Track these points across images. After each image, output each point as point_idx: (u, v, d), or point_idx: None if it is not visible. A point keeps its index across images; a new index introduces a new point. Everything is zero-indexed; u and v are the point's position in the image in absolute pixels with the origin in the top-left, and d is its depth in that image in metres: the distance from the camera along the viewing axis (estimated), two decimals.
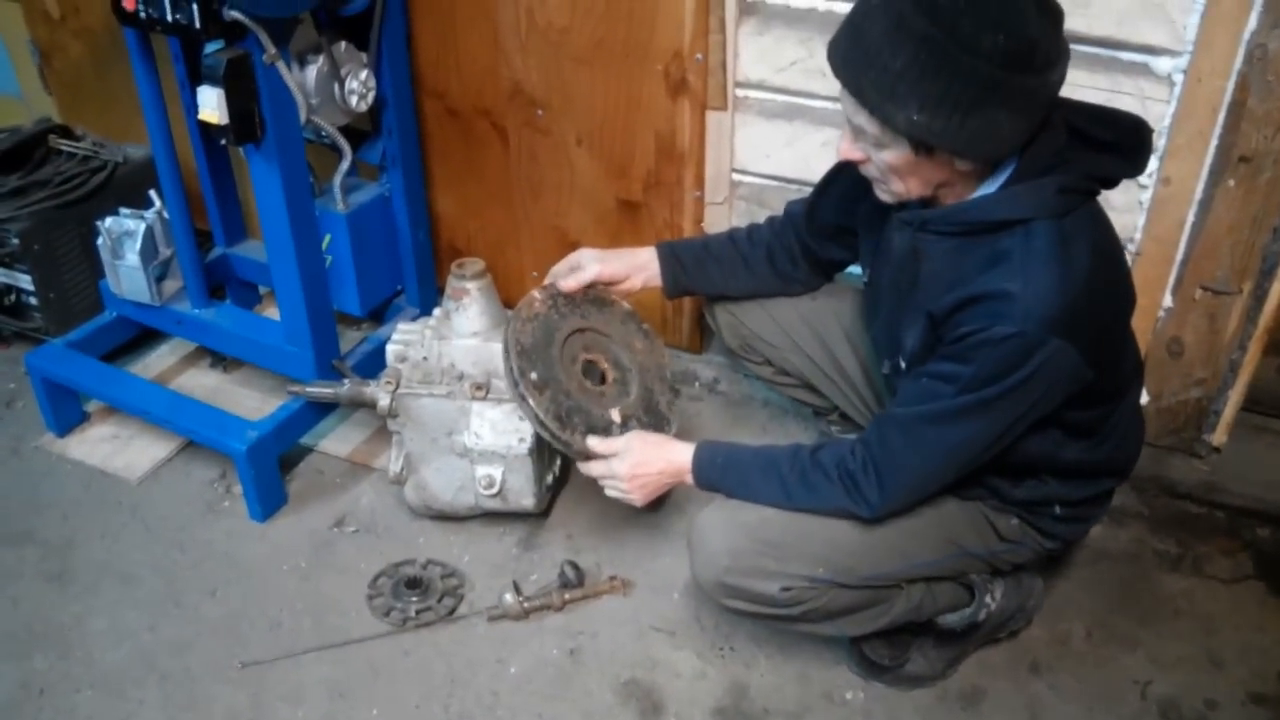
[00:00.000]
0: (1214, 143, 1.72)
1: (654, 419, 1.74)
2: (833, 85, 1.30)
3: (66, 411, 2.18)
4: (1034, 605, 1.72)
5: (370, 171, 2.19)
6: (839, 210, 1.66)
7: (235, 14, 1.61)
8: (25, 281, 2.28)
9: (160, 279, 2.09)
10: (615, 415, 1.69)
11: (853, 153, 1.36)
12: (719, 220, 2.13)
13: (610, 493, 1.63)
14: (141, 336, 2.33)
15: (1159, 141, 1.74)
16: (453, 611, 1.80)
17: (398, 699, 1.66)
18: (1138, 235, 1.85)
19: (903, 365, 1.47)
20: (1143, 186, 1.80)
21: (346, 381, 1.89)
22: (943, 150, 1.26)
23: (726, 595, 1.49)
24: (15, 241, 2.21)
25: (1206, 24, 1.62)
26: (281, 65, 1.71)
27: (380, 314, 2.31)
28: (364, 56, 1.94)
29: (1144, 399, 1.93)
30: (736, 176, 2.12)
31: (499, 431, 1.79)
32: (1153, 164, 1.75)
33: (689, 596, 1.82)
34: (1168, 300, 1.90)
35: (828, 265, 1.78)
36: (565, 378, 1.69)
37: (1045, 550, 1.62)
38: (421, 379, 1.81)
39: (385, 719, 1.64)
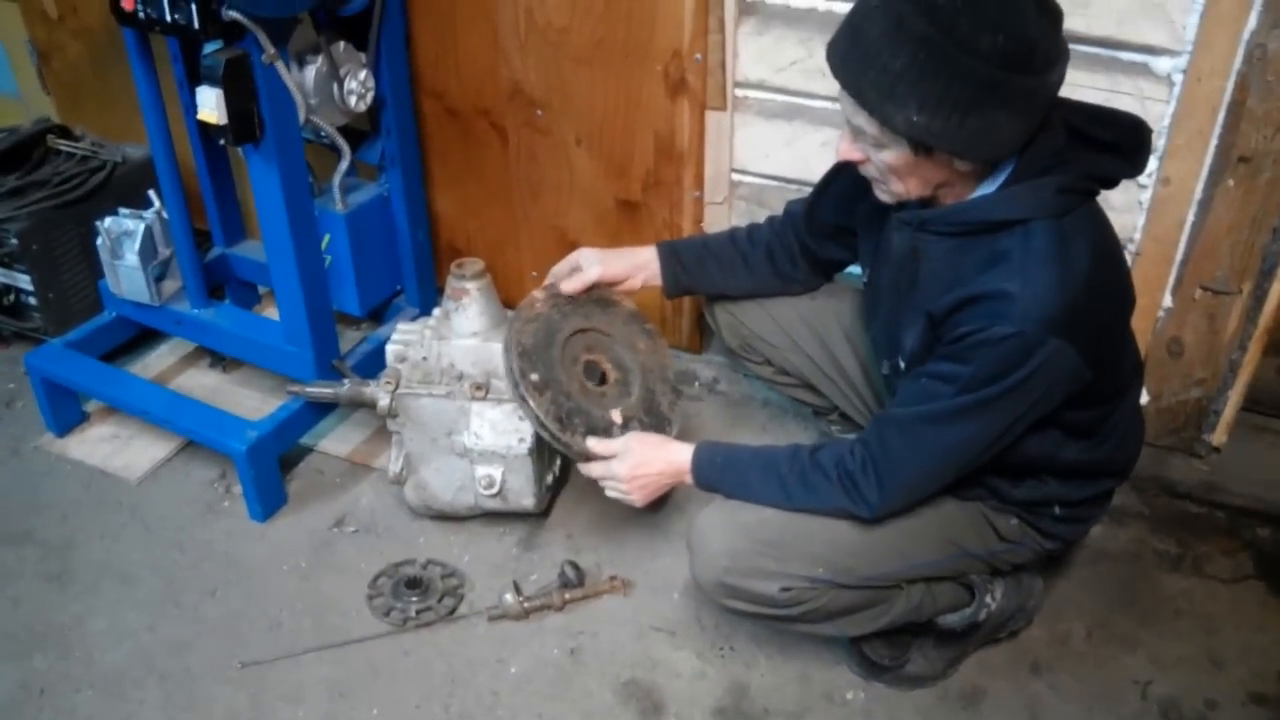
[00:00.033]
0: (1213, 143, 1.72)
1: (655, 420, 1.74)
2: (832, 85, 1.30)
3: (66, 411, 2.18)
4: (1034, 605, 1.72)
5: (369, 171, 2.19)
6: (838, 210, 1.66)
7: (234, 14, 1.61)
8: (24, 281, 2.28)
9: (159, 279, 2.09)
10: (616, 416, 1.69)
11: (852, 153, 1.36)
12: (718, 220, 2.13)
13: (610, 494, 1.63)
14: (141, 336, 2.33)
15: (1159, 141, 1.74)
16: (453, 611, 1.80)
17: (398, 699, 1.66)
18: (1137, 235, 1.85)
19: (902, 365, 1.47)
20: (1142, 186, 1.80)
21: (346, 381, 1.89)
22: (942, 151, 1.26)
23: (726, 596, 1.49)
24: (14, 242, 2.21)
25: (1206, 24, 1.62)
26: (280, 65, 1.70)
27: (380, 314, 2.31)
28: (363, 56, 1.94)
29: (1144, 399, 1.93)
30: (736, 176, 2.12)
31: (499, 431, 1.79)
32: (1152, 164, 1.75)
33: (689, 596, 1.82)
34: (1167, 300, 1.90)
35: (827, 265, 1.78)
36: (566, 379, 1.69)
37: (1045, 550, 1.62)
38: (421, 379, 1.81)
39: (385, 719, 1.64)
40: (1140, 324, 1.86)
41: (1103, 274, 1.33)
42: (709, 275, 1.80)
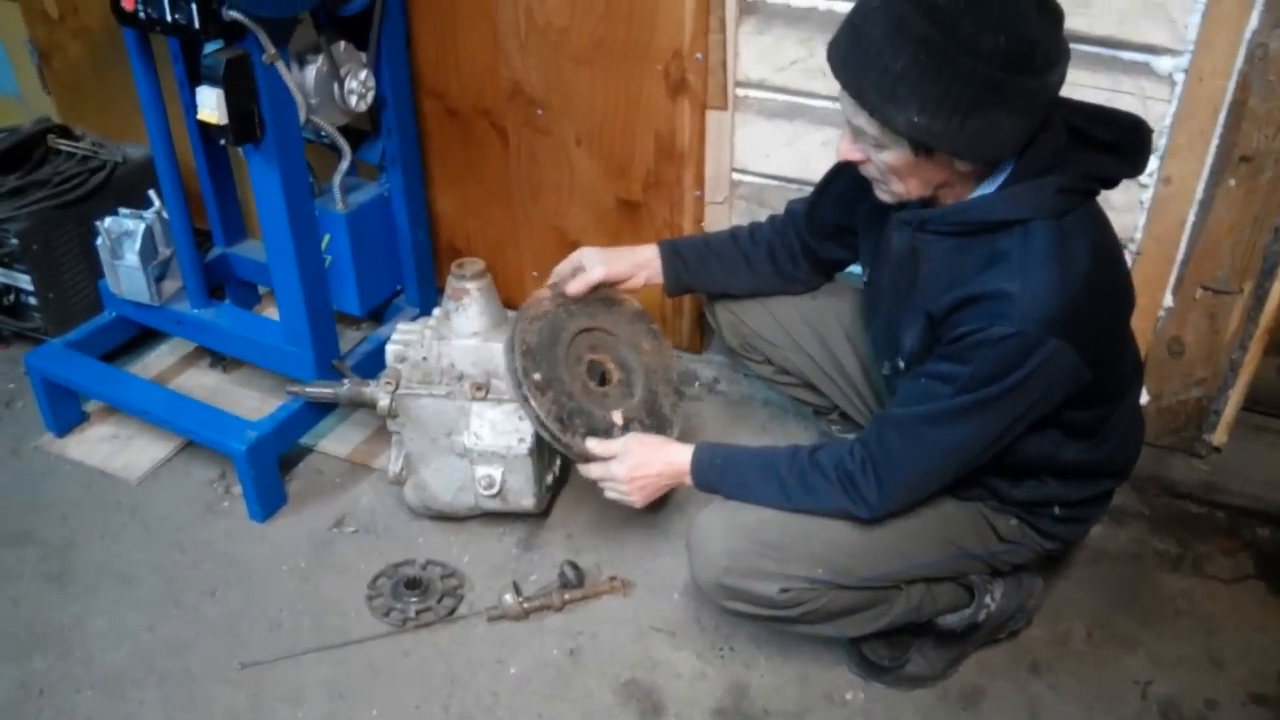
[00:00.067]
0: (1215, 142, 1.72)
1: (657, 422, 1.74)
2: (833, 85, 1.30)
3: (66, 411, 2.18)
4: (1034, 605, 1.72)
5: (370, 171, 2.19)
6: (839, 210, 1.66)
7: (234, 14, 1.61)
8: (24, 281, 2.28)
9: (159, 279, 2.09)
10: (617, 418, 1.68)
11: (852, 153, 1.36)
12: (719, 220, 2.13)
13: (609, 495, 1.62)
14: (141, 336, 2.33)
15: (1160, 141, 1.74)
16: (452, 612, 1.80)
17: (397, 699, 1.66)
18: (1138, 235, 1.85)
19: (901, 365, 1.46)
20: (1143, 186, 1.80)
21: (346, 381, 1.89)
22: (943, 152, 1.26)
23: (725, 597, 1.49)
24: (14, 241, 2.21)
25: (1207, 23, 1.62)
26: (281, 65, 1.70)
27: (380, 314, 2.31)
28: (363, 56, 1.93)
29: (1144, 399, 1.93)
30: (736, 176, 2.11)
31: (499, 432, 1.78)
32: (1153, 163, 1.75)
33: (689, 597, 1.82)
34: (1168, 300, 1.90)
35: (828, 264, 1.78)
36: (569, 378, 1.69)
37: (1044, 551, 1.61)
38: (421, 379, 1.81)
39: (385, 719, 1.64)
40: (1141, 323, 1.86)
41: (1102, 274, 1.33)
42: (710, 274, 1.79)
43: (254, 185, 1.83)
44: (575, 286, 1.75)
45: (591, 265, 1.76)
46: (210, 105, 1.67)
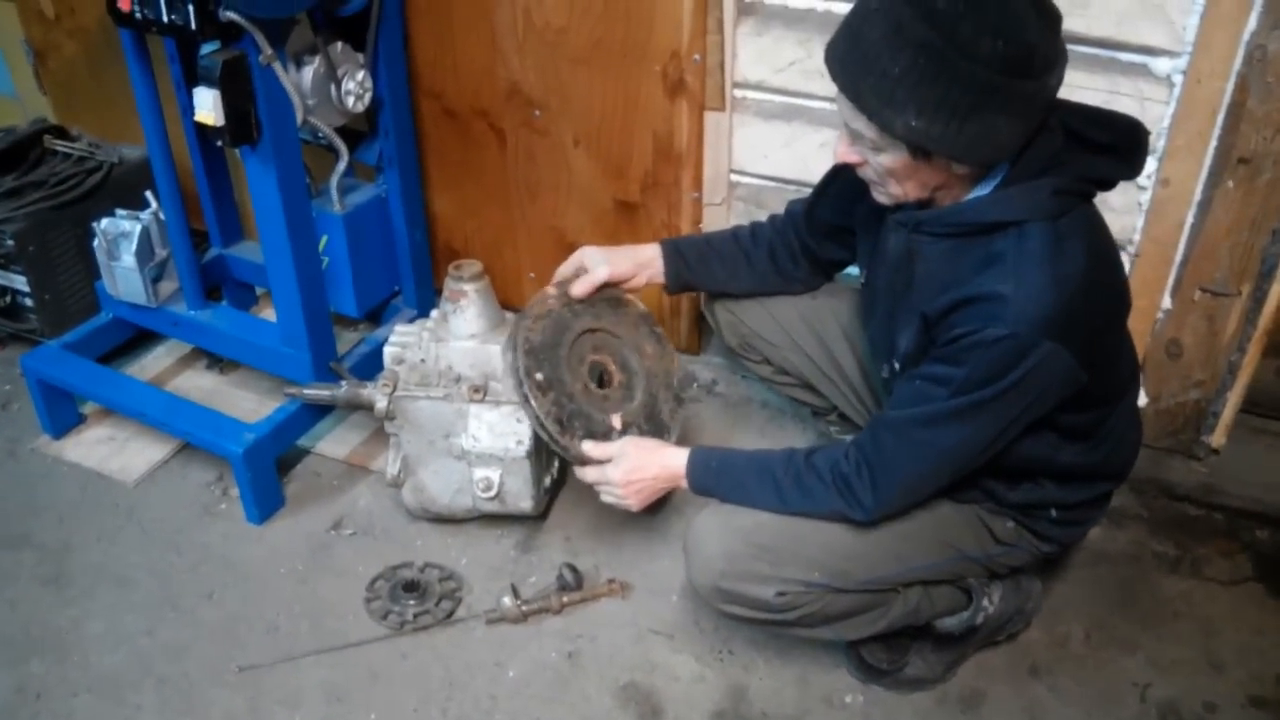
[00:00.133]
0: (1213, 144, 1.72)
1: (655, 427, 1.74)
2: (831, 86, 1.29)
3: (62, 414, 2.18)
4: (1032, 608, 1.72)
5: (367, 172, 2.18)
6: (837, 211, 1.66)
7: (231, 15, 1.61)
8: (21, 283, 2.27)
9: (156, 280, 2.09)
10: (616, 422, 1.68)
11: (850, 156, 1.35)
12: (717, 221, 2.13)
13: (606, 498, 1.62)
14: (137, 338, 2.33)
15: (1158, 143, 1.73)
16: (450, 614, 1.80)
17: (395, 702, 1.66)
18: (1136, 236, 1.84)
19: (897, 367, 1.46)
20: (1141, 188, 1.80)
21: (344, 383, 1.89)
22: (940, 155, 1.26)
23: (722, 600, 1.49)
24: (10, 243, 2.20)
25: (1206, 25, 1.62)
26: (278, 66, 1.70)
27: (377, 315, 2.31)
28: (361, 57, 1.93)
29: (1142, 400, 1.93)
30: (734, 177, 2.11)
31: (497, 434, 1.78)
32: (1152, 165, 1.75)
33: (687, 599, 1.81)
34: (1166, 302, 1.90)
35: (827, 265, 1.78)
36: (571, 379, 1.68)
37: (1042, 553, 1.61)
38: (419, 381, 1.81)
39: None
40: (1139, 325, 1.86)
41: (1098, 276, 1.33)
42: (711, 273, 1.79)
43: (251, 186, 1.83)
44: (580, 287, 1.74)
45: (594, 265, 1.75)
46: (207, 106, 1.67)
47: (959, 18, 1.15)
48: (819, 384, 1.86)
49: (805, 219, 1.73)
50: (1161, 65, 1.69)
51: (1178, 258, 1.85)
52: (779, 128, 2.01)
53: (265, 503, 1.99)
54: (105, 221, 2.04)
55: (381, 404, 1.79)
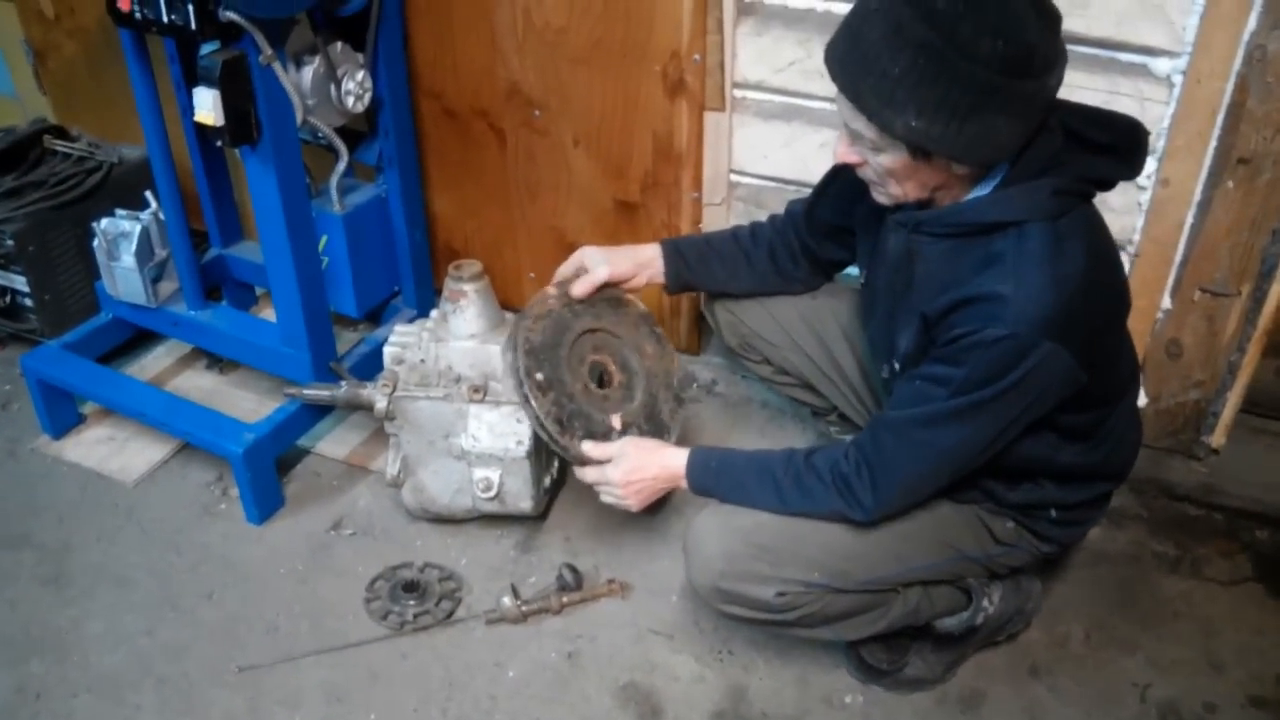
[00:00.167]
0: (1213, 144, 1.72)
1: (654, 427, 1.73)
2: (831, 86, 1.29)
3: (62, 414, 2.18)
4: (1032, 608, 1.72)
5: (367, 172, 2.18)
6: (837, 211, 1.66)
7: (231, 15, 1.61)
8: (20, 283, 2.27)
9: (156, 280, 2.09)
10: (616, 422, 1.68)
11: (849, 156, 1.35)
12: (716, 221, 2.13)
13: (605, 499, 1.62)
14: (137, 338, 2.33)
15: (1158, 143, 1.73)
16: (450, 615, 1.80)
17: (395, 703, 1.66)
18: (1136, 237, 1.84)
19: (897, 367, 1.46)
20: (1141, 188, 1.80)
21: (343, 383, 1.89)
22: (940, 155, 1.26)
23: (722, 600, 1.49)
24: (10, 243, 2.20)
25: (1205, 25, 1.62)
26: (278, 66, 1.70)
27: (377, 315, 2.31)
28: (360, 57, 1.93)
29: (1142, 401, 1.93)
30: (734, 177, 2.11)
31: (496, 434, 1.78)
32: (1151, 165, 1.75)
33: (687, 599, 1.81)
34: (1166, 302, 1.90)
35: (827, 265, 1.78)
36: (571, 379, 1.68)
37: (1042, 553, 1.61)
38: (419, 381, 1.81)
39: None
40: (1139, 325, 1.86)
41: (1098, 276, 1.33)
42: (712, 272, 1.79)
43: (251, 186, 1.83)
44: (581, 288, 1.74)
45: (594, 265, 1.75)
46: (207, 106, 1.67)
47: (959, 18, 1.15)
48: (819, 384, 1.86)
49: (805, 219, 1.73)
50: (1161, 65, 1.69)
51: (1177, 258, 1.85)
52: (779, 128, 2.01)
53: (265, 503, 1.99)
54: (105, 221, 2.04)
55: (381, 404, 1.79)
